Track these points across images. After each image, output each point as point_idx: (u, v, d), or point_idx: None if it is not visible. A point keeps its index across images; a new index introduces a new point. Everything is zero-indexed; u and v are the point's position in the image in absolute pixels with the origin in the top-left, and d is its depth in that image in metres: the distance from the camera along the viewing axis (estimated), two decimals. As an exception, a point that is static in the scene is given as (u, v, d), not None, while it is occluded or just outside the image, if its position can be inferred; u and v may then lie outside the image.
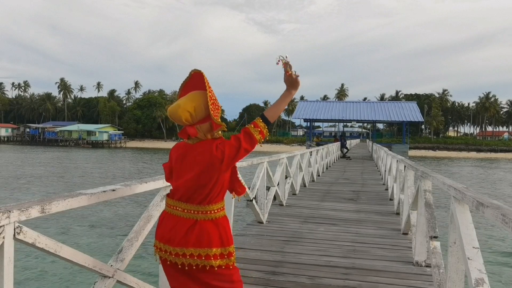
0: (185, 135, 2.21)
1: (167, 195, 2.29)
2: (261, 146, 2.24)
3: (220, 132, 2.24)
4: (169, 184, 3.20)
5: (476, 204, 2.46)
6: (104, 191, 2.40)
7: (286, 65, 2.22)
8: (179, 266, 2.14)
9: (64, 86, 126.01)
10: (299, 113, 42.20)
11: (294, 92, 2.24)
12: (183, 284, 2.20)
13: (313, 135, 42.88)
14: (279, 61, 2.21)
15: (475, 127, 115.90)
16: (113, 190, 2.49)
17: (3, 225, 1.74)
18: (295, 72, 2.23)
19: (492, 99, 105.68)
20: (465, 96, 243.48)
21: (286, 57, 2.22)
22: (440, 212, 14.30)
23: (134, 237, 2.80)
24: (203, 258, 2.11)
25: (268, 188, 7.51)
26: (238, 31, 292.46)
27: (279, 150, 59.23)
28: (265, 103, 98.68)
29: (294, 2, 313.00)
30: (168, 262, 2.18)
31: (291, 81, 2.22)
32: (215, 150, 2.10)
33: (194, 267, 2.12)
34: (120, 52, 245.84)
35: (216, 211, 2.18)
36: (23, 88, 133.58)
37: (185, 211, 2.16)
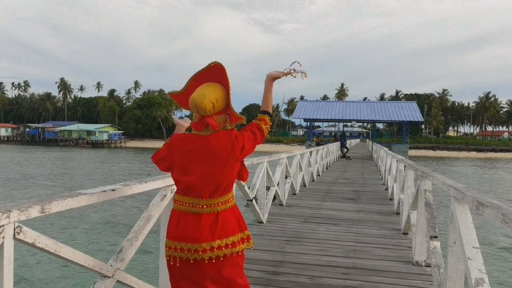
0: (201, 126, 2.20)
1: (178, 192, 2.25)
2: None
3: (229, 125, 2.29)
4: (170, 183, 3.20)
5: (476, 204, 2.46)
6: (103, 191, 2.40)
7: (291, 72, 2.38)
8: (206, 262, 2.14)
9: (64, 86, 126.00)
10: (299, 113, 42.20)
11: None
12: (198, 284, 2.19)
13: (313, 135, 42.87)
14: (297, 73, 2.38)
15: (475, 127, 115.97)
16: (113, 190, 2.49)
17: (3, 225, 1.73)
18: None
19: (492, 99, 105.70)
20: (465, 96, 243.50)
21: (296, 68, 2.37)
22: (440, 212, 14.30)
23: (134, 237, 2.80)
24: (230, 246, 2.17)
25: (268, 188, 7.50)
26: (238, 31, 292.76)
27: (279, 150, 59.27)
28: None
29: (294, 2, 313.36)
30: (192, 261, 2.15)
31: (278, 77, 2.39)
32: (235, 140, 2.17)
33: (222, 258, 2.15)
34: (120, 52, 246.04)
35: (231, 199, 2.26)
36: (23, 88, 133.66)
37: (205, 206, 2.17)
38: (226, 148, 2.15)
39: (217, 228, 2.15)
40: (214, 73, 2.25)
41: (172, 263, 2.21)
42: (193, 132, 2.26)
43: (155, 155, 2.37)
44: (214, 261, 2.14)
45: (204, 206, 2.17)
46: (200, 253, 2.13)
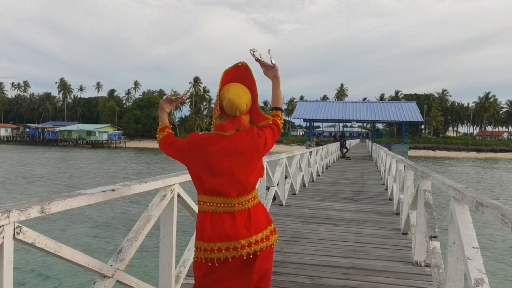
0: (232, 126, 2.22)
1: (204, 193, 2.23)
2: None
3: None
4: (170, 184, 3.21)
5: (475, 204, 2.46)
6: (103, 191, 2.40)
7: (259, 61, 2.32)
8: (245, 257, 2.17)
9: (63, 86, 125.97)
10: (298, 113, 42.22)
11: (279, 77, 2.40)
12: (237, 283, 2.23)
13: (312, 135, 42.89)
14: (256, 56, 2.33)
15: (474, 127, 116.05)
16: (113, 190, 2.49)
17: (3, 225, 1.73)
18: (271, 61, 2.33)
19: (492, 99, 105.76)
20: (465, 96, 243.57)
21: (255, 51, 2.31)
22: (440, 212, 14.31)
23: (133, 237, 2.80)
24: (265, 240, 2.23)
25: (267, 188, 7.51)
26: (239, 31, 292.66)
27: (279, 150, 59.22)
28: (265, 103, 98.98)
29: (294, 2, 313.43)
30: (230, 259, 2.17)
31: (274, 72, 2.35)
32: (258, 137, 2.22)
33: (259, 253, 2.20)
34: (120, 52, 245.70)
35: (257, 195, 2.30)
36: (22, 88, 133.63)
37: (237, 205, 2.20)
38: (251, 146, 2.21)
39: (251, 224, 2.20)
40: (240, 74, 2.30)
41: (210, 264, 2.20)
42: (215, 132, 2.25)
43: (166, 148, 2.35)
44: (251, 256, 2.19)
45: (236, 205, 2.19)
46: (239, 250, 2.16)
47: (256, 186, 2.33)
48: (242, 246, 2.16)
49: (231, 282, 2.23)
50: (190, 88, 2.47)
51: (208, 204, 2.22)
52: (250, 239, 2.17)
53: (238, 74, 2.30)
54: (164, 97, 2.47)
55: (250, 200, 2.23)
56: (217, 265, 2.18)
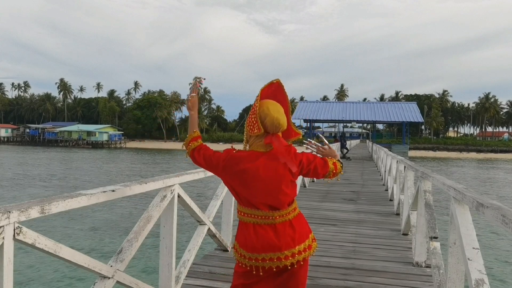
0: (269, 144, 2.22)
1: (245, 205, 2.23)
2: (338, 180, 2.50)
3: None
4: (170, 184, 3.21)
5: (476, 205, 2.46)
6: (103, 192, 2.40)
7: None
8: (289, 267, 2.19)
9: (64, 86, 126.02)
10: (299, 114, 42.27)
11: (336, 155, 2.50)
12: None
13: (312, 136, 42.89)
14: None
15: (475, 127, 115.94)
16: (113, 191, 2.49)
17: (3, 226, 1.74)
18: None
19: (492, 100, 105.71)
20: (465, 96, 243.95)
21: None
22: (440, 213, 14.30)
23: (134, 237, 2.80)
24: (307, 249, 2.24)
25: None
26: (239, 31, 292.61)
27: (279, 150, 59.00)
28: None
29: (295, 3, 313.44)
30: (274, 269, 2.19)
31: (330, 153, 2.47)
32: (294, 156, 2.25)
33: (302, 262, 2.22)
34: (120, 52, 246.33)
35: (296, 206, 2.31)
36: (23, 88, 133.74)
37: (277, 217, 2.21)
38: (293, 160, 2.22)
39: (295, 234, 2.21)
40: (273, 91, 2.32)
41: (254, 272, 2.21)
42: (251, 149, 2.24)
43: (199, 159, 2.30)
44: (295, 265, 2.20)
45: (277, 217, 2.21)
46: (283, 260, 2.18)
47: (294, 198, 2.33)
48: (285, 256, 2.18)
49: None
50: (194, 82, 2.42)
51: (248, 215, 2.23)
52: (293, 250, 2.19)
53: (271, 91, 2.31)
54: (187, 97, 2.40)
55: (290, 212, 2.24)
56: (261, 273, 2.19)
